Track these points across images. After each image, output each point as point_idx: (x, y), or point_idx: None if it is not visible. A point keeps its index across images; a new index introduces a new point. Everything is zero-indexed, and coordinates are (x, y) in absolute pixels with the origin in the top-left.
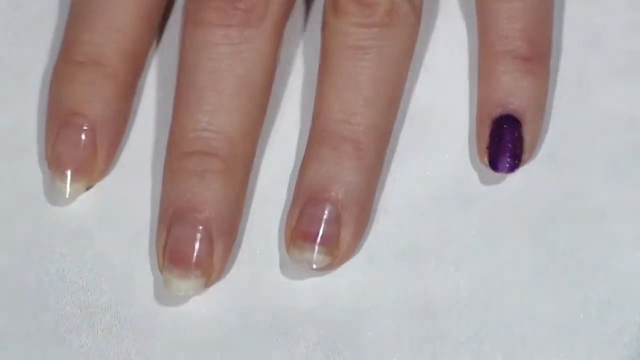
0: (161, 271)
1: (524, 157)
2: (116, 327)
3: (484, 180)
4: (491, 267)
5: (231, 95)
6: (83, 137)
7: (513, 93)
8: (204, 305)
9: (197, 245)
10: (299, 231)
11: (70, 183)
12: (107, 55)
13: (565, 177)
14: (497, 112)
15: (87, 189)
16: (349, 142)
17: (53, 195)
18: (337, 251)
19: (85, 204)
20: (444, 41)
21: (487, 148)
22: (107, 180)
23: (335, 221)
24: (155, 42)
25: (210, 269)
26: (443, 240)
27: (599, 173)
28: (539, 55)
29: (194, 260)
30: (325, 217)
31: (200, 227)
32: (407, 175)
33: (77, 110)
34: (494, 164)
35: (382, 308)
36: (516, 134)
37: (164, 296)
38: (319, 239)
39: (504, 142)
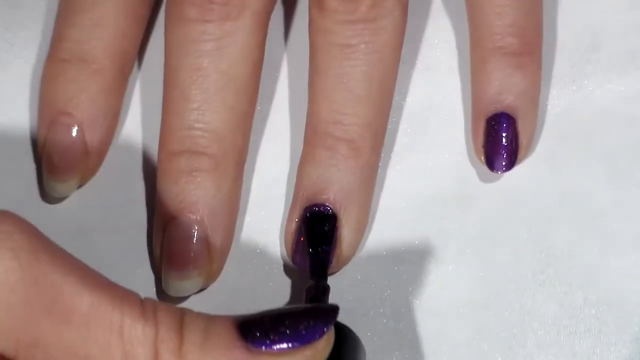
0: (159, 273)
1: (520, 154)
2: None
3: (483, 180)
4: (491, 267)
5: (216, 92)
6: (72, 135)
7: (506, 89)
8: (204, 306)
9: (192, 246)
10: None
11: (61, 182)
12: (92, 52)
13: (565, 176)
14: (491, 109)
15: (79, 186)
16: (343, 142)
17: (46, 194)
18: (339, 252)
19: (84, 204)
20: (443, 40)
21: (483, 147)
22: (107, 180)
23: (334, 225)
24: (152, 38)
25: (208, 268)
26: (443, 240)
27: (599, 173)
28: (529, 49)
29: (190, 260)
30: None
31: (195, 227)
32: (407, 175)
33: (64, 109)
34: (491, 163)
35: (382, 308)
36: (511, 131)
37: (164, 296)
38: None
39: (500, 140)
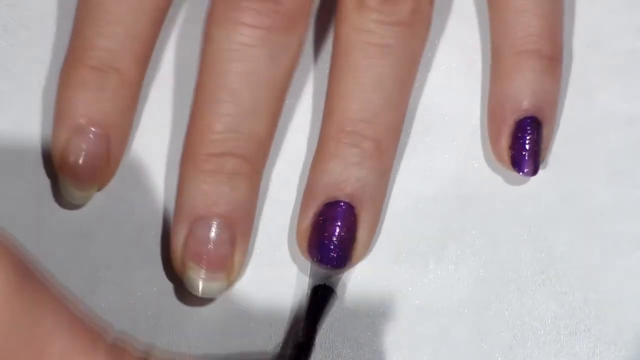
0: (180, 271)
1: (542, 158)
2: (116, 327)
3: (484, 180)
4: (491, 267)
5: (265, 100)
6: (99, 145)
7: (538, 92)
8: (203, 306)
9: (224, 249)
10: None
11: (83, 190)
12: (124, 62)
13: (566, 177)
14: (522, 112)
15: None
16: (371, 141)
17: (61, 199)
18: (354, 252)
19: (85, 204)
20: (443, 40)
21: (510, 149)
22: None
23: (354, 222)
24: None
25: (232, 272)
26: (443, 240)
27: (599, 173)
28: (559, 55)
29: (222, 263)
30: (344, 217)
31: (228, 230)
32: (408, 175)
33: (95, 119)
34: (519, 166)
35: (382, 308)
36: (538, 135)
37: (164, 296)
38: (337, 242)
39: (531, 144)
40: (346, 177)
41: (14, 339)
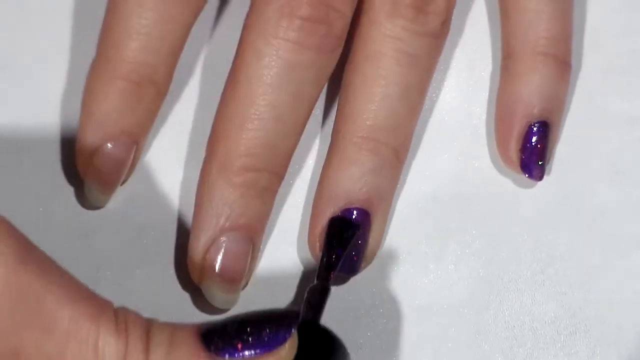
0: (198, 280)
1: (547, 162)
2: None
3: (484, 180)
4: (491, 267)
5: (303, 118)
6: (129, 154)
7: (551, 97)
8: (205, 305)
9: (246, 261)
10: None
11: (108, 194)
12: (160, 76)
13: (566, 176)
14: (534, 115)
15: None
16: (391, 149)
17: (85, 201)
18: (364, 257)
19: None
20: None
21: (520, 151)
22: None
23: (368, 228)
24: None
25: (246, 281)
26: (443, 240)
27: (600, 173)
28: (569, 59)
29: (243, 275)
30: (360, 224)
31: (250, 242)
32: (407, 175)
33: (128, 130)
34: (529, 170)
35: (382, 308)
36: (548, 139)
37: (164, 296)
38: (352, 247)
39: (542, 148)
40: (363, 183)
41: (21, 313)
